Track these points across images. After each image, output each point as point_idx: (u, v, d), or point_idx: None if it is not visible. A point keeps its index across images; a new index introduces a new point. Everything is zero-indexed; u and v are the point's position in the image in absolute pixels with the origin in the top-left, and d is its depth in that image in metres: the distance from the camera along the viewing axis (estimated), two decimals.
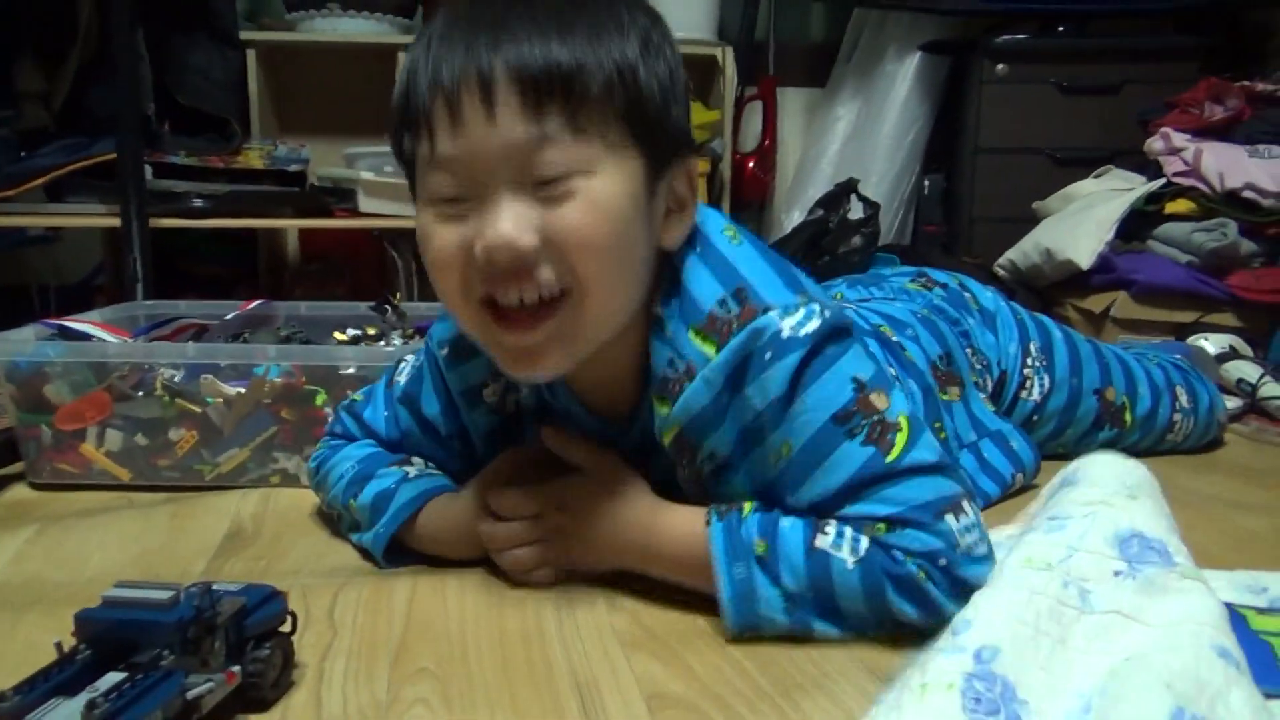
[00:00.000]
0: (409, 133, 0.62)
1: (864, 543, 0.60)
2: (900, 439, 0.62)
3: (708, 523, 0.63)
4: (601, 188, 0.59)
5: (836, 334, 0.63)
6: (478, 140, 0.58)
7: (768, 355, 0.62)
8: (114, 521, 0.86)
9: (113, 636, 0.50)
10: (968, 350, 0.96)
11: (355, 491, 0.76)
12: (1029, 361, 1.01)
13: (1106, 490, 0.60)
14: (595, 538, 0.68)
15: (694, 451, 0.67)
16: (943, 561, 0.59)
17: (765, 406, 0.62)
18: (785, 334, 0.62)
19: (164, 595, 0.51)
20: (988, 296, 1.04)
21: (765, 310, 0.62)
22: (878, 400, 0.63)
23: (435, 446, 0.80)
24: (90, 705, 0.44)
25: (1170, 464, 1.06)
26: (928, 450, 0.62)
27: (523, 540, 0.69)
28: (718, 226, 0.68)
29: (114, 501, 0.92)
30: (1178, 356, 1.19)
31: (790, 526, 0.62)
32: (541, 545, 0.69)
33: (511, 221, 0.58)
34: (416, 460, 0.80)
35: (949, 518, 0.60)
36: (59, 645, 0.50)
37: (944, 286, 1.03)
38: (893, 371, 0.82)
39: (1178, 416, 1.08)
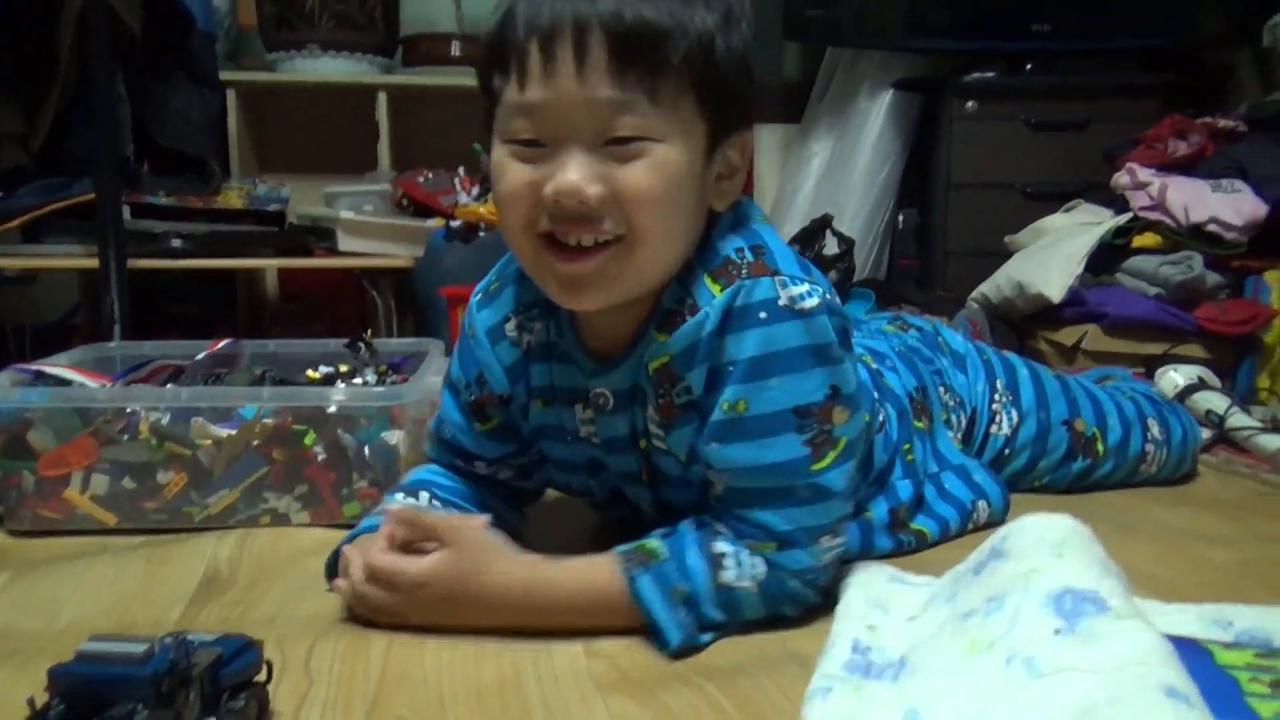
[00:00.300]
0: (498, 71, 0.65)
1: (760, 567, 0.68)
2: (830, 455, 0.68)
3: (629, 577, 0.67)
4: (667, 153, 0.64)
5: (843, 338, 0.69)
6: (565, 92, 0.62)
7: (761, 314, 0.66)
8: (89, 568, 0.86)
9: (86, 691, 0.50)
10: (941, 388, 0.99)
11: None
12: (996, 398, 1.03)
13: (1035, 558, 0.61)
14: (468, 601, 0.68)
15: (674, 382, 0.70)
16: (812, 577, 0.70)
17: (737, 358, 0.66)
18: (781, 301, 0.66)
19: (138, 649, 0.51)
20: (958, 340, 1.08)
21: (774, 273, 0.67)
22: (838, 414, 0.68)
23: (465, 419, 0.81)
24: None
25: (1141, 496, 1.08)
26: (841, 476, 0.69)
27: (389, 606, 0.70)
28: (755, 208, 0.75)
29: (89, 547, 0.92)
30: (1153, 390, 1.21)
31: (694, 564, 0.67)
32: (396, 605, 0.70)
33: (581, 172, 0.62)
34: (423, 494, 0.81)
35: (824, 539, 0.70)
36: (31, 702, 0.50)
37: (919, 329, 1.07)
38: (875, 397, 0.86)
39: (1150, 447, 1.09)
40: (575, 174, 0.62)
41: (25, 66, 1.64)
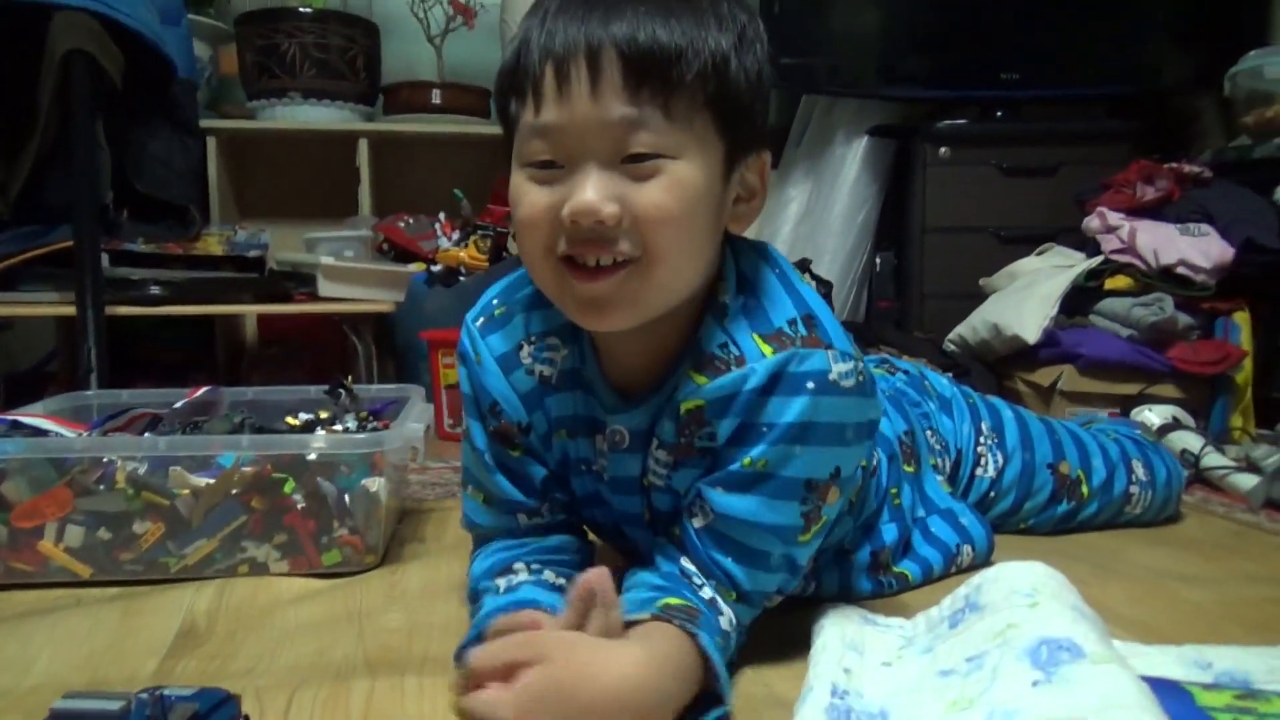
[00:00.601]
0: (515, 97, 0.66)
1: (733, 614, 0.69)
2: (814, 529, 0.70)
3: (693, 633, 0.62)
4: (683, 171, 0.63)
5: (870, 428, 0.71)
6: (579, 112, 0.62)
7: (809, 385, 0.66)
8: (61, 621, 0.84)
9: None
10: (928, 431, 1.00)
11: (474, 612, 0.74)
12: (981, 440, 1.04)
13: (1010, 612, 0.62)
14: (588, 696, 0.57)
15: (701, 426, 0.70)
16: (749, 624, 0.71)
17: (776, 422, 0.66)
18: (831, 376, 0.67)
19: (114, 705, 0.50)
20: (943, 384, 1.09)
21: (828, 346, 0.68)
22: (832, 495, 0.70)
23: (496, 449, 0.78)
24: None
25: (1119, 537, 1.09)
26: (806, 553, 0.72)
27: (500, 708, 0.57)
28: (788, 262, 0.75)
29: (62, 600, 0.90)
30: (1137, 432, 1.23)
31: (709, 617, 0.66)
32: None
33: (597, 191, 0.62)
34: (519, 566, 0.77)
35: (766, 601, 0.72)
36: None
37: (905, 373, 1.08)
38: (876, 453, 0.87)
39: (1134, 489, 1.10)
40: (592, 193, 0.62)
41: (4, 114, 1.65)
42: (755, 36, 0.68)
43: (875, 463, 0.88)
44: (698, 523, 0.70)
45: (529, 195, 0.65)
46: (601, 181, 0.63)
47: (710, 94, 0.64)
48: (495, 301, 0.79)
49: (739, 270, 0.72)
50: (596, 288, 0.65)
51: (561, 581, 0.75)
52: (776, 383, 0.67)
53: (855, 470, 0.72)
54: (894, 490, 0.90)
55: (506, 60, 0.67)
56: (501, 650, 0.58)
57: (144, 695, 0.52)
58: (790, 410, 0.66)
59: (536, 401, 0.77)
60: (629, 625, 0.62)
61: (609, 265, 0.64)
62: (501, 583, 0.75)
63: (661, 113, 0.62)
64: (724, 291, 0.71)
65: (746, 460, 0.67)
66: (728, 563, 0.69)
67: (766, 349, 0.68)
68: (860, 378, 0.68)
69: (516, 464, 0.78)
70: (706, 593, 0.68)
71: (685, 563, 0.70)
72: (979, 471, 1.04)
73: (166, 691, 0.53)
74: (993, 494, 1.04)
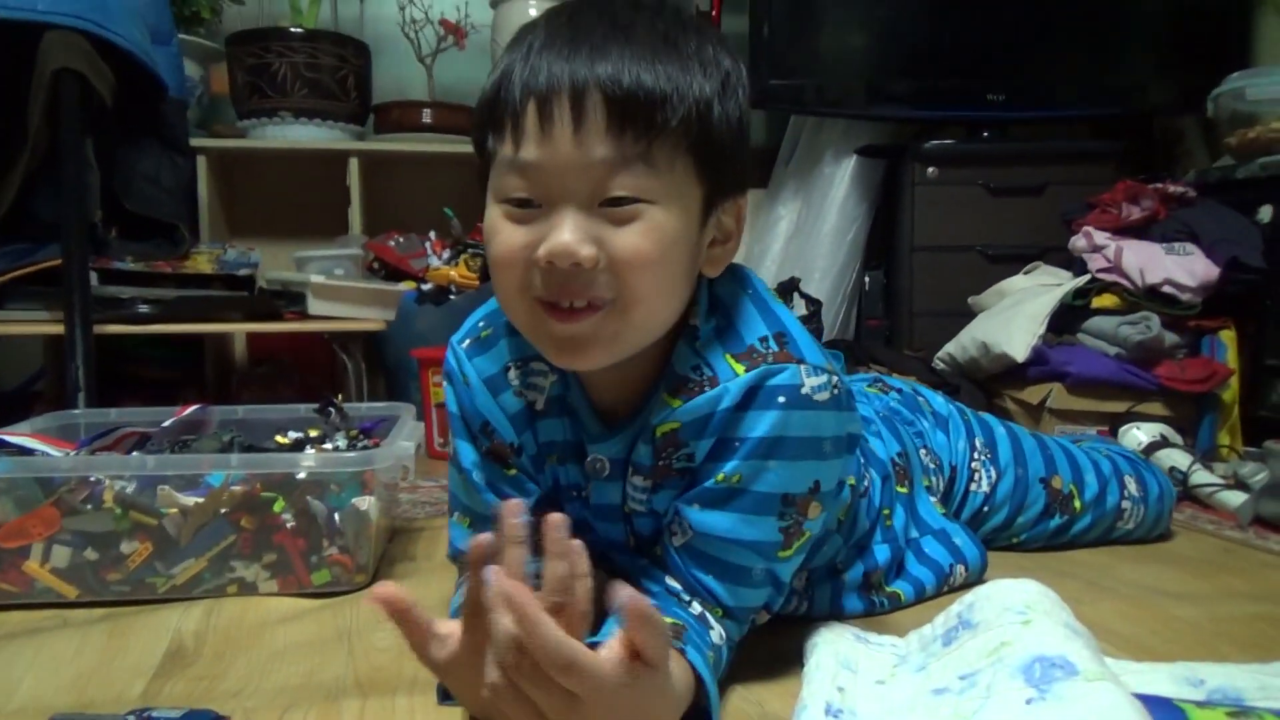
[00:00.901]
0: (494, 130, 0.66)
1: (723, 629, 0.69)
2: (796, 545, 0.70)
3: (681, 648, 0.62)
4: (661, 216, 0.63)
5: (849, 442, 0.72)
6: (561, 152, 0.61)
7: (780, 399, 0.67)
8: (47, 642, 0.83)
9: None
10: (921, 450, 1.00)
11: None
12: (975, 455, 1.05)
13: (1003, 630, 0.62)
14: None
15: (678, 448, 0.70)
16: (738, 640, 0.72)
17: (748, 436, 0.67)
18: (804, 390, 0.67)
19: None
20: (939, 402, 1.09)
21: (800, 361, 0.68)
22: (813, 509, 0.70)
23: (488, 470, 0.78)
24: None
25: (1110, 554, 1.09)
26: (793, 568, 0.72)
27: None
28: (763, 284, 0.75)
29: (47, 621, 0.89)
30: (1130, 450, 1.23)
31: (699, 631, 0.67)
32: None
33: (575, 234, 0.62)
34: None
35: (753, 618, 0.73)
36: None
37: (899, 391, 1.08)
38: (861, 462, 0.87)
39: (1126, 504, 1.11)
40: (569, 235, 0.61)
41: None
42: (738, 82, 0.68)
43: (867, 483, 0.88)
44: (677, 541, 0.70)
45: (504, 233, 0.65)
46: (579, 223, 0.62)
47: (692, 140, 0.64)
48: (481, 324, 0.79)
49: (713, 294, 0.72)
50: (572, 328, 0.65)
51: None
52: (749, 398, 0.67)
53: (837, 485, 0.72)
54: (886, 511, 0.90)
55: (486, 91, 0.67)
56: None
57: (131, 717, 0.51)
58: (761, 424, 0.66)
59: (525, 424, 0.77)
60: None
61: (584, 306, 0.64)
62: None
63: (643, 157, 0.62)
64: (696, 315, 0.71)
65: (720, 475, 0.67)
66: (709, 580, 0.69)
67: (739, 368, 0.68)
68: (835, 390, 0.69)
69: (509, 484, 0.78)
70: (695, 608, 0.68)
71: (670, 581, 0.70)
72: (973, 487, 1.04)
73: (154, 713, 0.53)
74: (986, 509, 1.05)
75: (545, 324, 0.66)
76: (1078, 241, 1.82)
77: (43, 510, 0.92)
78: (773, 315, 0.72)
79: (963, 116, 2.26)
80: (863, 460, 0.88)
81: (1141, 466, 1.16)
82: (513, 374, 0.77)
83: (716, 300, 0.72)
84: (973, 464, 1.05)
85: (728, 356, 0.69)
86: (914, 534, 0.93)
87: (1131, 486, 1.11)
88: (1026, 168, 2.21)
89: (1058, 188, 2.17)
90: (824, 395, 0.68)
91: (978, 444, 1.06)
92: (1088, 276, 1.77)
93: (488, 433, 0.77)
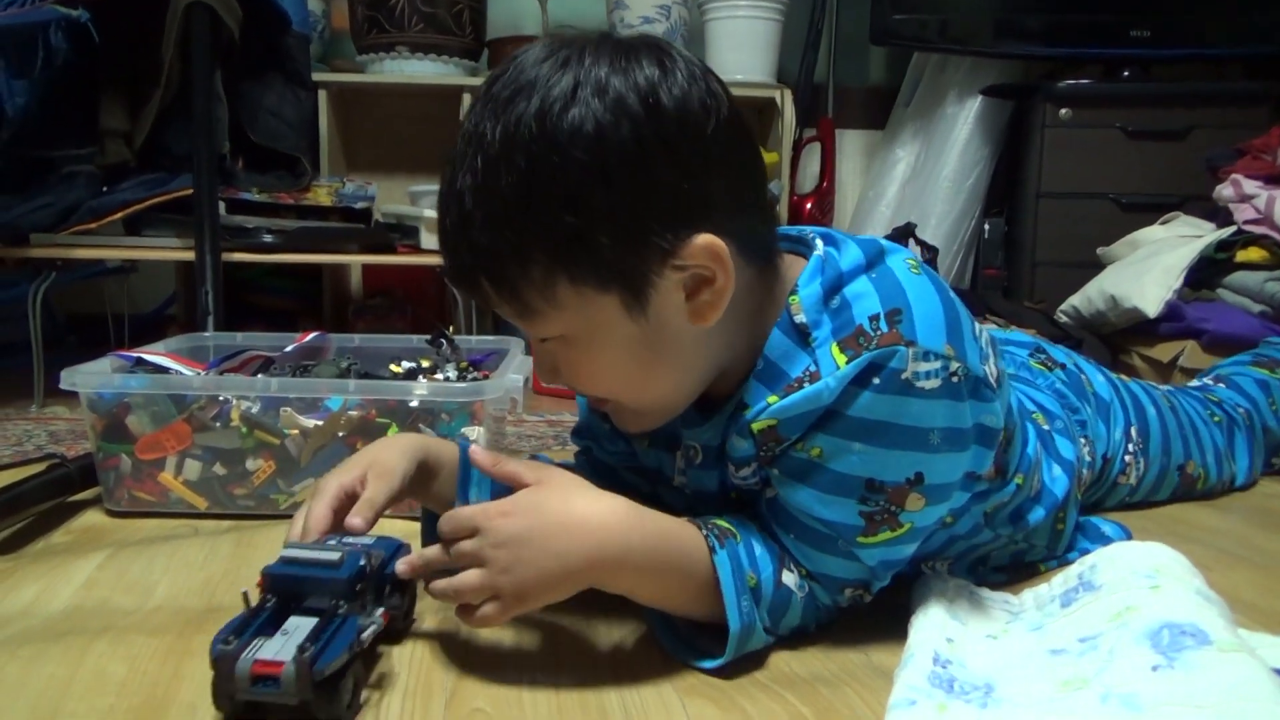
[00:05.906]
0: None
1: (807, 583, 0.67)
2: (886, 535, 0.65)
3: (711, 549, 0.63)
4: (588, 342, 0.63)
5: (972, 434, 0.66)
6: (494, 304, 0.64)
7: (875, 380, 0.61)
8: (180, 549, 0.89)
9: (290, 589, 0.59)
10: (1082, 440, 0.93)
11: None
12: (1130, 448, 1.00)
13: (1129, 593, 0.60)
14: (556, 531, 0.59)
15: (779, 442, 0.65)
16: (829, 605, 0.69)
17: (836, 410, 0.62)
18: (904, 375, 0.61)
19: (333, 555, 0.60)
20: (1101, 382, 1.01)
21: (909, 343, 0.62)
22: (913, 501, 0.64)
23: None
24: (301, 649, 0.53)
25: (1243, 521, 1.04)
26: (885, 557, 0.67)
27: (466, 559, 0.60)
28: (902, 257, 0.68)
29: (180, 529, 0.95)
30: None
31: (763, 554, 0.65)
32: (485, 569, 0.60)
33: (538, 367, 0.69)
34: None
35: (848, 590, 0.68)
36: (246, 596, 0.60)
37: (1063, 368, 1.00)
38: (1041, 457, 0.80)
39: (1227, 475, 1.10)
40: (535, 367, 0.69)
41: (131, 67, 1.71)
42: (620, 163, 0.58)
43: (1039, 482, 0.80)
44: (769, 493, 0.68)
45: None
46: (539, 356, 0.68)
47: (565, 270, 0.59)
48: None
49: (833, 273, 0.66)
50: (605, 410, 0.71)
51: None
52: (849, 390, 0.62)
53: (953, 479, 0.66)
54: (1060, 514, 0.82)
55: None
56: (515, 467, 0.64)
57: (333, 540, 0.63)
58: (851, 404, 0.62)
59: None
60: None
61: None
62: None
63: (528, 309, 0.62)
64: (798, 305, 0.65)
65: (802, 446, 0.64)
66: (788, 540, 0.67)
67: (841, 359, 0.62)
68: (954, 378, 0.63)
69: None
70: (790, 564, 0.66)
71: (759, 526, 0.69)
72: (1121, 480, 1.00)
73: (348, 539, 0.64)
74: (1129, 499, 1.02)
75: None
76: (1224, 190, 1.70)
77: (176, 425, 0.97)
78: (894, 289, 0.64)
79: (1102, 54, 2.12)
80: (1045, 454, 0.81)
81: (1263, 411, 1.13)
82: None
83: (837, 279, 0.66)
84: (1126, 456, 0.99)
85: (833, 346, 0.63)
86: (1085, 544, 0.86)
87: (1241, 458, 1.10)
88: (1170, 110, 2.07)
89: (1204, 132, 2.03)
90: (932, 383, 0.62)
91: (1133, 433, 0.99)
92: (1233, 228, 1.66)
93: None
